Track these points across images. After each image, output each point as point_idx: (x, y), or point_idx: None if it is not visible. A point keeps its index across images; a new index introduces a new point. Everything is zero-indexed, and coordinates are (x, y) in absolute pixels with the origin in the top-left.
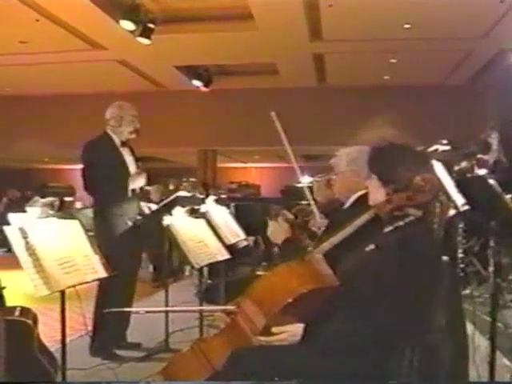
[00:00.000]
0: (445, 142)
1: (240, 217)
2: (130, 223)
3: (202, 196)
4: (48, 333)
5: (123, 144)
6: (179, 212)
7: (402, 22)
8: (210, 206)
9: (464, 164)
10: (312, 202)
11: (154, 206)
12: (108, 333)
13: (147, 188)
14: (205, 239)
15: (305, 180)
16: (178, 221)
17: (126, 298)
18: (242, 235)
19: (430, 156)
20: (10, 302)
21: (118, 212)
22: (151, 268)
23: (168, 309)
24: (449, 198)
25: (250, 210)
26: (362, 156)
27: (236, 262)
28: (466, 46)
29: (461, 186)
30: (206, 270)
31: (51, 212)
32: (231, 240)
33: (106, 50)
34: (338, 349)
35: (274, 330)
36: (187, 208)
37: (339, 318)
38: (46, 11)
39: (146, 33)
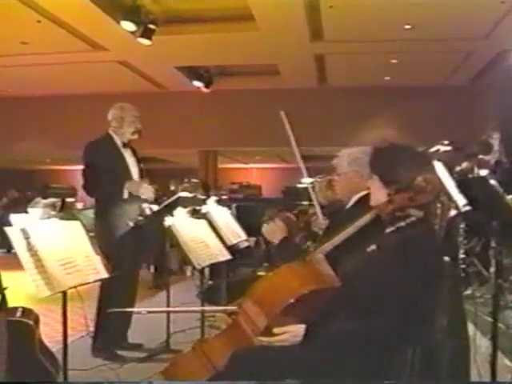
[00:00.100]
0: (446, 142)
1: (241, 217)
2: (131, 224)
3: (203, 197)
4: (49, 333)
5: (125, 145)
6: (181, 213)
7: (402, 23)
8: (212, 206)
9: (465, 165)
10: (316, 203)
11: (155, 207)
12: (109, 333)
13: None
14: (206, 240)
15: (305, 180)
16: (180, 221)
17: (128, 299)
18: (244, 236)
19: (432, 156)
20: (11, 302)
21: (119, 212)
22: (152, 269)
23: (169, 309)
24: (450, 198)
25: (251, 210)
26: (364, 157)
27: (237, 263)
28: (467, 47)
29: (462, 186)
30: (207, 270)
31: (53, 213)
32: (232, 241)
33: (106, 50)
34: (339, 349)
35: (276, 330)
36: (189, 209)
37: (341, 318)
38: (47, 12)
39: (147, 34)
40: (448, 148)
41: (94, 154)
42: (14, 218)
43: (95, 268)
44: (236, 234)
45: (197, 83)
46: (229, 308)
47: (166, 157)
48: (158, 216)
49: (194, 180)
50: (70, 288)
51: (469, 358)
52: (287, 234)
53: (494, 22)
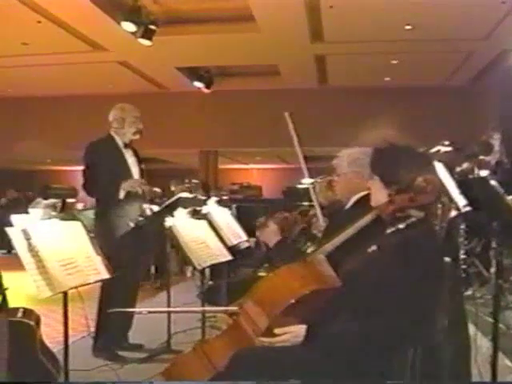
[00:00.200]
0: (446, 143)
1: (242, 218)
2: (132, 224)
3: (203, 197)
4: (50, 334)
5: (126, 146)
6: (181, 213)
7: (403, 24)
8: (212, 207)
9: (466, 165)
10: (316, 205)
11: (155, 208)
12: (110, 334)
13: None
14: (207, 240)
15: (305, 181)
16: (180, 222)
17: (129, 299)
18: (244, 236)
19: (432, 157)
20: (12, 303)
21: (120, 213)
22: (153, 269)
23: (170, 309)
24: (450, 199)
25: (251, 211)
26: (364, 157)
27: (238, 263)
28: (468, 47)
29: (462, 187)
30: (207, 271)
31: (53, 213)
32: (233, 241)
33: (107, 51)
34: (340, 350)
35: (277, 331)
36: (189, 209)
37: (341, 318)
38: (48, 13)
39: (148, 34)
40: (448, 148)
41: (95, 155)
42: (14, 218)
43: (96, 268)
44: (236, 234)
45: (197, 84)
46: (230, 308)
47: (167, 157)
48: (159, 217)
49: (195, 180)
50: (71, 288)
51: (469, 359)
52: (282, 235)
53: (494, 22)
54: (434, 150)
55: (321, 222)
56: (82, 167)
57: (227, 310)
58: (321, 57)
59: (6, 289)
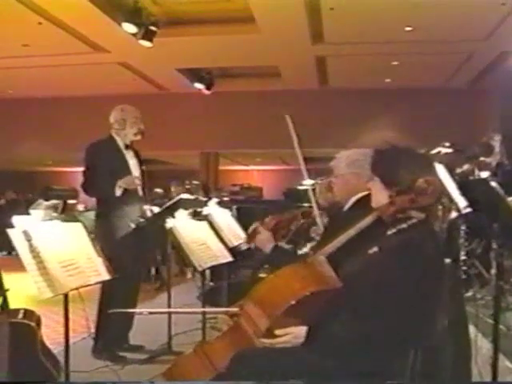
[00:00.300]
0: (447, 144)
1: (242, 219)
2: (132, 225)
3: (204, 199)
4: (50, 335)
5: (127, 147)
6: (182, 214)
7: (403, 25)
8: (213, 208)
9: (466, 166)
10: (316, 209)
11: (156, 209)
12: (111, 335)
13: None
14: (207, 241)
15: (306, 182)
16: (181, 223)
17: (130, 300)
18: (245, 237)
19: (433, 158)
20: (12, 304)
21: (120, 214)
22: (153, 270)
23: (171, 310)
24: (451, 200)
25: (252, 212)
26: (362, 158)
27: (238, 265)
28: (468, 49)
29: (463, 188)
30: (208, 272)
31: (54, 214)
32: (234, 242)
33: (108, 52)
34: (340, 351)
35: (277, 332)
36: (190, 210)
37: (342, 320)
38: (49, 14)
39: (148, 35)
40: (449, 150)
41: (95, 155)
42: (16, 219)
43: (97, 270)
44: (237, 235)
45: (198, 85)
46: (230, 309)
47: (167, 158)
48: (159, 218)
49: (195, 182)
50: (72, 289)
51: (470, 360)
52: (279, 235)
53: (494, 23)
54: (434, 151)
55: (319, 223)
56: (82, 168)
57: (228, 311)
58: (321, 58)
59: (6, 290)
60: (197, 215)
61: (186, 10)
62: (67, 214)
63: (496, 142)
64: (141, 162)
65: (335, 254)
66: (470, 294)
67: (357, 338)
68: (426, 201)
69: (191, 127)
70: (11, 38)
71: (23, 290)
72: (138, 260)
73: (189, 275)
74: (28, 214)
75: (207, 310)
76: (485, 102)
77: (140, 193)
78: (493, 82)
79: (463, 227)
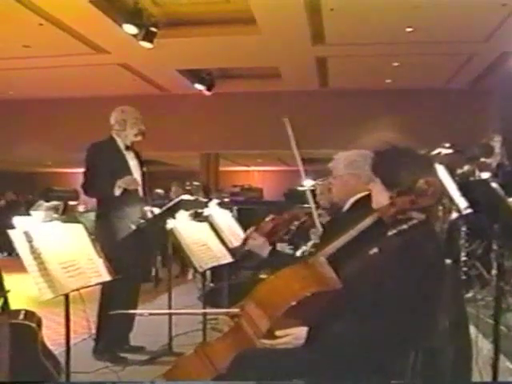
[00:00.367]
0: (447, 145)
1: (243, 220)
2: (133, 227)
3: (204, 200)
4: (51, 336)
5: (128, 148)
6: (183, 215)
7: (404, 26)
8: (213, 209)
9: (467, 167)
10: (313, 208)
11: (156, 210)
12: (111, 336)
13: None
14: (208, 242)
15: (307, 183)
16: (182, 224)
17: (130, 301)
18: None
19: (433, 159)
20: (13, 305)
21: (121, 215)
22: (154, 272)
23: (172, 311)
24: (451, 201)
25: (252, 213)
26: (361, 159)
27: (239, 266)
28: (468, 50)
29: (464, 189)
30: (208, 273)
31: (55, 215)
32: (234, 243)
33: (108, 53)
34: (341, 352)
35: (278, 333)
36: (191, 211)
37: (343, 320)
38: (49, 15)
39: (149, 37)
40: (449, 151)
41: (96, 156)
42: (17, 220)
43: (97, 271)
44: (238, 236)
45: (198, 86)
46: (231, 310)
47: (168, 159)
48: (160, 219)
49: (196, 183)
50: (73, 290)
51: (471, 361)
52: (270, 245)
53: (495, 24)
54: (435, 152)
55: (317, 225)
56: (83, 169)
57: (228, 312)
58: (322, 59)
59: (7, 291)
60: (197, 216)
61: (187, 11)
62: (68, 215)
63: (496, 142)
64: (141, 162)
65: (336, 254)
66: (470, 294)
67: (357, 339)
68: (427, 202)
69: (192, 128)
70: (12, 39)
71: (24, 291)
72: (139, 261)
73: (189, 276)
74: (28, 214)
75: (208, 310)
76: (485, 102)
77: (140, 194)
78: (493, 82)
79: (464, 228)
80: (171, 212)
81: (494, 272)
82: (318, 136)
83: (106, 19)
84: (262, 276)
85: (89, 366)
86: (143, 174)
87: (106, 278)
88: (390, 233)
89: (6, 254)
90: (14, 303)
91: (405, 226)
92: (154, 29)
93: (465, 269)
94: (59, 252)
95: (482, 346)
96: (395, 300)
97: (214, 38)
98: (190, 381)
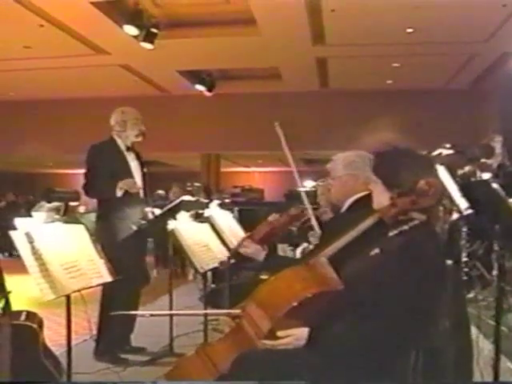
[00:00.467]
0: (448, 146)
1: (243, 221)
2: (134, 227)
3: (205, 200)
4: (52, 337)
5: (128, 149)
6: (184, 216)
7: (404, 27)
8: (214, 210)
9: (467, 168)
10: (310, 209)
11: (157, 211)
12: (112, 337)
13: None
14: (209, 243)
15: (308, 184)
16: (183, 225)
17: (131, 302)
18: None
19: (434, 160)
20: (14, 306)
21: (121, 216)
22: (155, 272)
23: (173, 312)
24: (452, 201)
25: (253, 214)
26: (359, 160)
27: (240, 266)
28: (469, 50)
29: (464, 189)
30: (209, 274)
31: (56, 216)
32: (235, 244)
33: (109, 54)
34: (342, 352)
35: (279, 333)
36: (191, 212)
37: (344, 321)
38: (50, 16)
39: (149, 38)
40: (450, 151)
41: (96, 157)
42: (18, 221)
43: (99, 271)
44: (239, 237)
45: (199, 87)
46: (232, 311)
47: (168, 160)
48: (161, 220)
49: (197, 184)
50: (74, 291)
51: (472, 361)
52: (264, 249)
53: (495, 25)
54: (435, 152)
55: (314, 226)
56: (83, 170)
57: (229, 313)
58: (322, 60)
59: (8, 292)
60: (198, 217)
61: (187, 12)
62: (69, 215)
63: (497, 143)
64: (142, 163)
65: (336, 255)
66: (471, 295)
67: (358, 339)
68: (428, 202)
69: (192, 129)
70: (13, 40)
71: (25, 292)
72: (140, 262)
73: (190, 277)
74: (28, 215)
75: (209, 311)
76: (486, 103)
77: (141, 195)
78: (494, 83)
79: (464, 229)
80: (172, 213)
81: (494, 272)
82: (318, 137)
83: (106, 20)
84: (263, 277)
85: (90, 366)
86: (144, 175)
87: (107, 278)
88: (390, 233)
89: (7, 254)
90: (16, 304)
91: (405, 227)
92: (154, 30)
93: (466, 269)
94: (60, 253)
95: (483, 346)
96: (396, 300)
97: (215, 39)
98: (191, 381)
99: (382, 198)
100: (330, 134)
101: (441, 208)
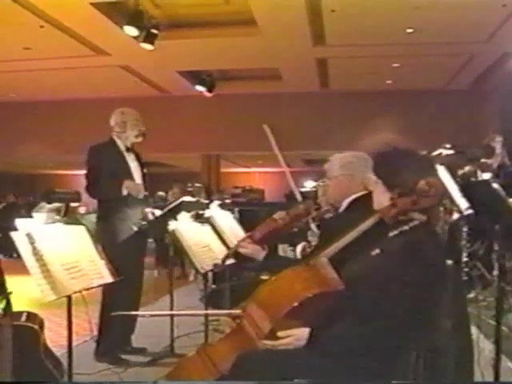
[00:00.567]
0: (448, 146)
1: (244, 221)
2: (135, 228)
3: (206, 201)
4: (53, 338)
5: (128, 150)
6: (184, 217)
7: (404, 27)
8: (215, 210)
9: (468, 168)
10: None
11: (158, 212)
12: (113, 337)
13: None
14: (210, 244)
15: (308, 184)
16: (183, 226)
17: (132, 303)
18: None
19: (434, 160)
20: (15, 307)
21: (122, 217)
22: (156, 273)
23: (173, 312)
24: (453, 202)
25: (253, 214)
26: (356, 161)
27: (240, 267)
28: (469, 50)
29: (465, 190)
30: (210, 274)
31: (57, 217)
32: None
33: (109, 55)
34: (343, 353)
35: (280, 334)
36: (192, 213)
37: (345, 321)
38: (50, 17)
39: (150, 38)
40: (450, 152)
41: (96, 158)
42: (19, 222)
43: (100, 272)
44: (239, 237)
45: (199, 87)
46: (233, 312)
47: (169, 161)
48: (161, 220)
49: (197, 184)
50: (75, 292)
51: (472, 361)
52: (263, 249)
53: (495, 25)
54: (436, 152)
55: (312, 227)
56: (83, 171)
57: (230, 314)
58: (322, 60)
59: (9, 293)
60: (199, 218)
61: (187, 13)
62: (69, 216)
63: (497, 143)
64: (142, 164)
65: (337, 255)
66: (472, 295)
67: (359, 340)
68: (428, 202)
69: (192, 129)
70: (13, 41)
71: (26, 293)
72: (140, 263)
73: (191, 277)
74: (28, 217)
75: (210, 312)
76: (486, 103)
77: (140, 196)
78: (494, 83)
79: (465, 229)
80: (173, 213)
81: (495, 273)
82: (318, 137)
83: (106, 21)
84: (264, 277)
85: (91, 367)
86: (144, 176)
87: (108, 279)
88: (391, 234)
89: (7, 255)
90: (16, 305)
91: (406, 227)
92: (154, 31)
93: (466, 269)
94: (61, 254)
95: (484, 346)
96: (396, 300)
97: (215, 40)
98: (192, 381)
99: (382, 198)
100: (330, 135)
101: (441, 208)
